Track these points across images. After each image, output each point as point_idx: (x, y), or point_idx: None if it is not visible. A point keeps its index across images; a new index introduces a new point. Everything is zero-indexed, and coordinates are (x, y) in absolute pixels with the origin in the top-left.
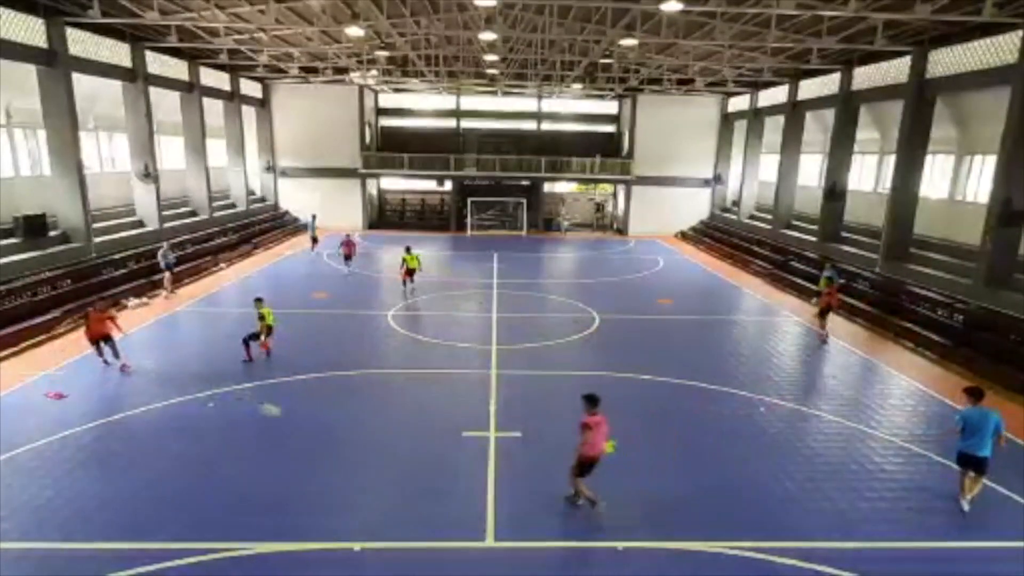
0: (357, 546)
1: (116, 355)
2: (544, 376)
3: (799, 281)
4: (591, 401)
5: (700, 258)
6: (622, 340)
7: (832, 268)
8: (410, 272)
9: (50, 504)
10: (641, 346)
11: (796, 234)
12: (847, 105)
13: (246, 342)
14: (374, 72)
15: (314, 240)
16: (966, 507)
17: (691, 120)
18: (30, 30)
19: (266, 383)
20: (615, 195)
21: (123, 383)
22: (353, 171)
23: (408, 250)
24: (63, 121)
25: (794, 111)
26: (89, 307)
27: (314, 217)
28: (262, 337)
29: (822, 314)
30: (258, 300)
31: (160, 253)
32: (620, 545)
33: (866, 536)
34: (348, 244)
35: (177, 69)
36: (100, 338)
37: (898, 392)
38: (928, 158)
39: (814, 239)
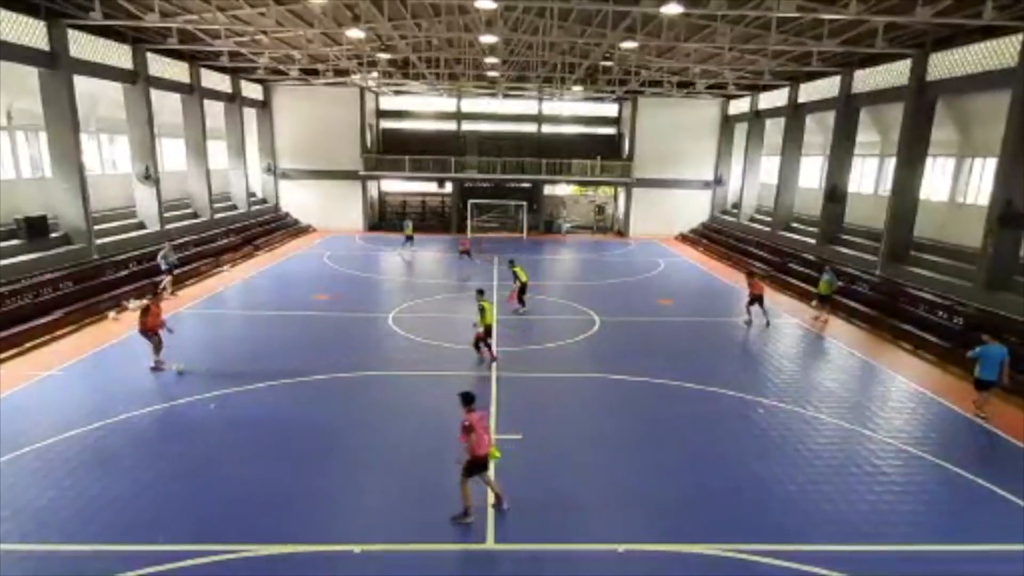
0: (357, 548)
1: (156, 351)
2: (544, 378)
3: (797, 283)
4: (466, 399)
5: (700, 260)
6: (622, 342)
7: (831, 271)
8: (522, 290)
9: (52, 505)
10: (641, 348)
11: (796, 236)
12: (848, 107)
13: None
14: (375, 74)
15: (409, 238)
16: (987, 420)
17: (692, 122)
18: (31, 32)
19: (267, 384)
20: (615, 197)
21: (125, 384)
22: (354, 173)
23: (511, 263)
24: (64, 123)
25: (795, 113)
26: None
27: (408, 216)
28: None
29: (752, 302)
30: (479, 292)
31: (161, 254)
32: (620, 547)
33: (866, 539)
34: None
35: (178, 71)
36: (148, 331)
37: (897, 394)
38: (928, 160)
39: (814, 241)
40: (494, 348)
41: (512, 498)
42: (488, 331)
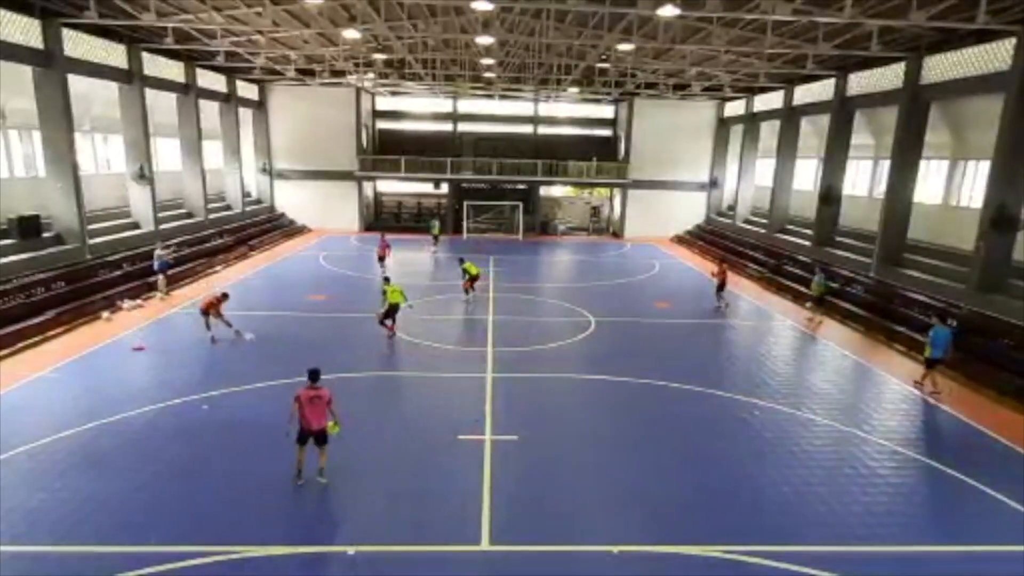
0: (351, 549)
1: (229, 325)
2: (540, 379)
3: (792, 284)
4: (310, 374)
5: (696, 262)
6: (618, 343)
7: (822, 272)
8: (472, 280)
9: (43, 506)
10: (636, 349)
11: (791, 238)
12: (842, 110)
13: (382, 322)
14: (371, 75)
15: (435, 239)
16: (940, 393)
17: (687, 124)
18: (26, 31)
19: (262, 385)
20: (611, 199)
21: (118, 385)
22: (350, 174)
23: (461, 261)
24: (59, 122)
25: (790, 116)
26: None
27: (438, 216)
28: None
29: (719, 289)
30: (386, 279)
31: (156, 254)
32: (615, 549)
33: (861, 540)
34: (382, 246)
35: (173, 71)
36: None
37: (891, 396)
38: (922, 163)
39: (809, 244)
40: (395, 327)
41: (507, 499)
42: (392, 311)
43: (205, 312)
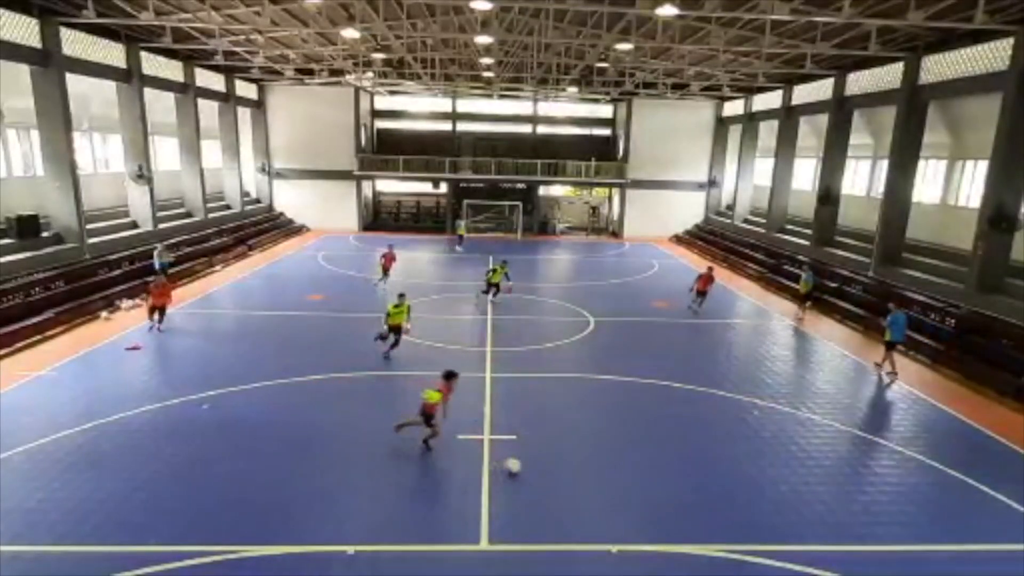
0: (351, 549)
1: (160, 321)
2: (538, 379)
3: (792, 284)
4: (447, 375)
5: (695, 261)
6: (617, 343)
7: (810, 271)
8: (494, 284)
9: (42, 506)
10: (635, 349)
11: (790, 238)
12: (841, 110)
13: (381, 337)
14: (370, 74)
15: (460, 238)
16: (897, 375)
17: (686, 124)
18: (24, 30)
19: (260, 385)
20: (610, 198)
21: (117, 385)
22: (348, 173)
23: (504, 263)
24: (57, 122)
25: (788, 116)
26: (151, 282)
27: (460, 216)
28: (406, 326)
29: (699, 294)
30: (400, 296)
31: (156, 254)
32: (614, 548)
33: (859, 539)
34: (388, 257)
35: (172, 70)
36: (159, 307)
37: (890, 395)
38: (921, 163)
39: (808, 243)
40: (399, 340)
41: (506, 498)
42: (395, 329)
43: (155, 307)
